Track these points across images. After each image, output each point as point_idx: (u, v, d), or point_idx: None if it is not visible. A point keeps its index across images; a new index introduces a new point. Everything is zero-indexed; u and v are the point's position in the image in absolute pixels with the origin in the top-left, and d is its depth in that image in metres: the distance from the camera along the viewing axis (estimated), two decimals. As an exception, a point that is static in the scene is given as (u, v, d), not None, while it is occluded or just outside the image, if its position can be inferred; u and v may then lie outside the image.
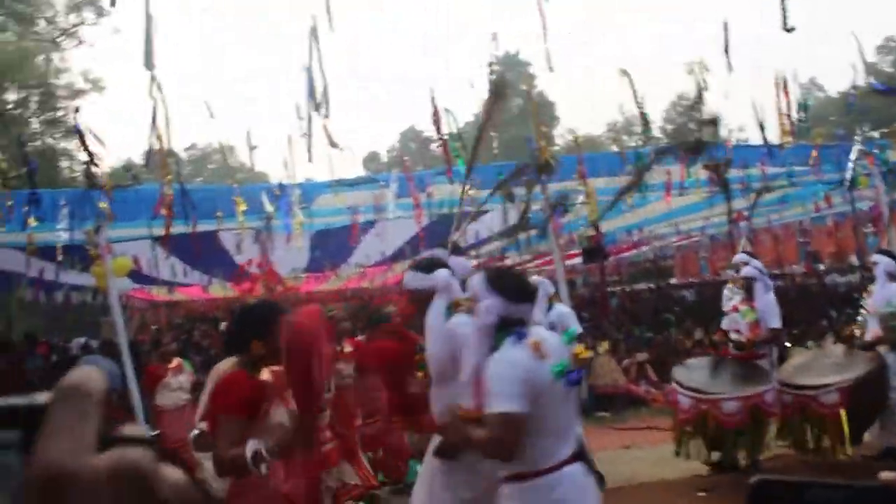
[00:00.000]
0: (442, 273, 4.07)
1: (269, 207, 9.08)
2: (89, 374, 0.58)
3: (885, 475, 0.78)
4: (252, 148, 10.13)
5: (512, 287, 3.43)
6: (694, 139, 8.68)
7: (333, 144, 6.79)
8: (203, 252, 10.53)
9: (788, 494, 0.79)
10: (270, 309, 3.67)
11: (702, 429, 6.66)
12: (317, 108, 6.40)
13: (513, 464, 3.20)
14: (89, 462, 0.52)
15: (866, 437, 6.97)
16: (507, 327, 3.31)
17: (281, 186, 9.15)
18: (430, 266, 4.13)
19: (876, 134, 12.78)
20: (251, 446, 3.15)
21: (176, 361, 8.37)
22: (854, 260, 20.98)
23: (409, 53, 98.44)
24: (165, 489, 0.54)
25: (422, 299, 4.02)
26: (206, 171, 60.06)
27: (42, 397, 0.57)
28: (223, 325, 19.95)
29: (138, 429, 0.58)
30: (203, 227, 9.39)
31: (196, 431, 3.78)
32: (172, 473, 0.56)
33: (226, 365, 3.80)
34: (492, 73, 8.85)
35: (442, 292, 3.99)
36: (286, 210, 9.22)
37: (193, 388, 9.40)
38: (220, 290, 20.69)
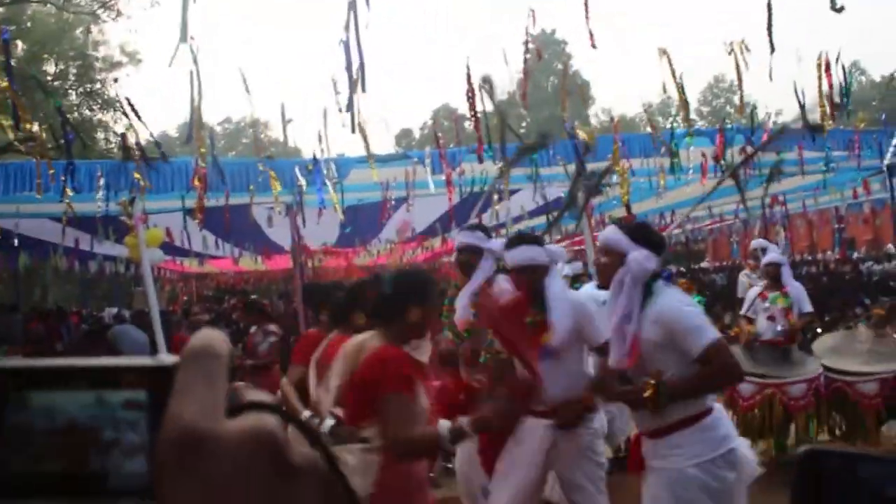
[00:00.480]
0: (552, 247, 4.27)
1: (301, 181, 9.09)
2: (215, 336, 0.56)
3: None
4: (286, 122, 10.14)
5: (656, 239, 3.62)
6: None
7: (361, 128, 6.75)
8: (234, 225, 10.59)
9: (839, 466, 0.78)
10: (426, 276, 3.67)
11: (769, 414, 6.50)
12: (354, 83, 6.38)
13: (689, 406, 3.32)
14: (223, 425, 0.51)
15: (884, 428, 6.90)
16: (653, 276, 3.47)
17: (314, 161, 9.15)
18: (536, 240, 4.24)
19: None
20: (445, 424, 2.96)
21: None
22: (891, 248, 20.64)
23: (446, 29, 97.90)
24: (299, 460, 0.53)
25: (536, 272, 4.09)
26: (239, 144, 60.49)
27: (169, 358, 0.57)
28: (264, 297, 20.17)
29: (263, 394, 0.57)
30: (235, 200, 9.45)
31: (331, 422, 3.37)
32: (304, 451, 0.54)
33: (368, 341, 3.31)
34: (527, 50, 8.75)
35: (556, 265, 4.17)
36: (319, 184, 9.23)
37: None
38: (251, 263, 20.88)
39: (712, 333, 3.34)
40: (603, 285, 3.69)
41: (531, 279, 4.09)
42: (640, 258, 3.43)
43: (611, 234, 3.64)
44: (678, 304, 3.40)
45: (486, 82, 7.41)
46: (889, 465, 0.74)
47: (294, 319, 13.21)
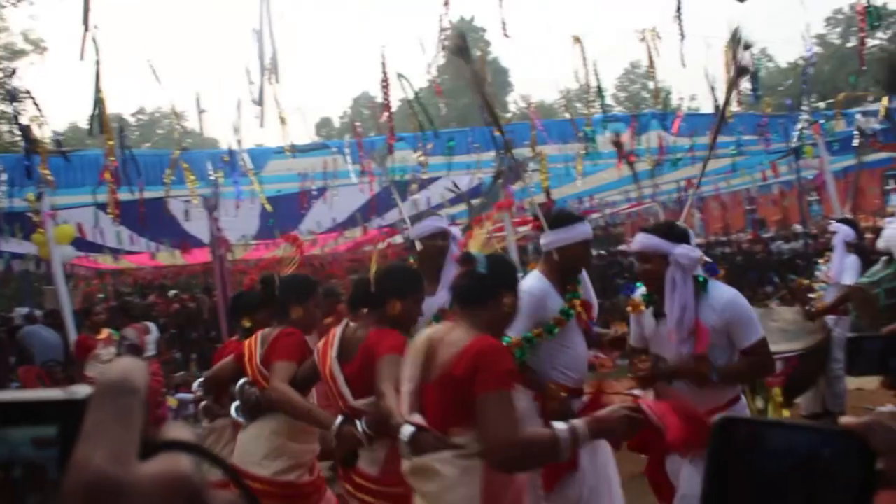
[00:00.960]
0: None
1: (213, 174, 8.91)
2: (134, 367, 0.52)
3: (845, 419, 0.79)
4: (201, 112, 9.90)
5: (684, 231, 3.71)
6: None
7: (281, 118, 6.66)
8: (150, 219, 10.32)
9: (750, 434, 0.80)
10: (413, 271, 3.69)
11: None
12: (267, 72, 6.27)
13: (730, 390, 3.66)
14: (134, 470, 0.47)
15: (798, 401, 7.17)
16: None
17: (230, 152, 8.98)
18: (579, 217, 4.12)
19: (822, 104, 13.02)
20: (561, 425, 2.57)
21: (106, 332, 8.13)
22: (798, 228, 21.44)
23: (367, 16, 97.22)
24: None
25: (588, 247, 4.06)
26: (155, 135, 58.93)
27: (82, 390, 0.52)
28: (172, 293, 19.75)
29: (185, 431, 0.52)
30: (151, 193, 9.21)
31: (410, 430, 2.74)
32: (222, 494, 0.50)
33: (444, 333, 2.87)
34: (445, 38, 8.75)
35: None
36: (236, 176, 9.07)
37: (160, 353, 9.29)
38: (169, 257, 20.40)
39: (761, 329, 3.63)
40: (654, 291, 3.74)
41: (582, 255, 4.00)
42: (686, 253, 3.57)
43: (647, 240, 3.69)
44: (740, 297, 3.66)
45: (401, 76, 7.38)
46: (794, 431, 0.76)
47: (215, 313, 12.98)
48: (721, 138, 11.05)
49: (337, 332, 3.54)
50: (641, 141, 10.41)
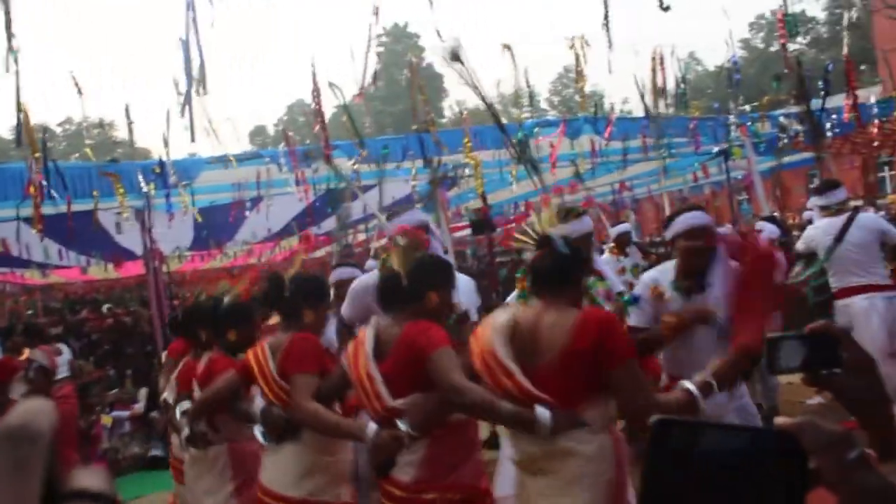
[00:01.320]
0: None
1: (145, 186, 8.74)
2: (36, 412, 0.47)
3: (780, 420, 0.82)
4: (130, 123, 9.70)
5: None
6: None
7: (211, 128, 6.56)
8: (79, 232, 10.05)
9: (687, 435, 0.82)
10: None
11: None
12: (194, 83, 6.17)
13: None
14: None
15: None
16: None
17: (160, 163, 8.81)
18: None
19: (748, 107, 13.37)
20: (687, 384, 2.76)
21: (26, 353, 7.90)
22: (729, 226, 21.98)
23: (298, 23, 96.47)
24: None
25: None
26: (83, 146, 57.46)
27: None
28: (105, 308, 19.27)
29: (96, 478, 0.48)
30: (79, 206, 8.99)
31: (547, 411, 2.72)
32: None
33: (526, 316, 2.93)
34: (379, 45, 8.75)
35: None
36: (167, 188, 8.92)
37: (75, 375, 9.01)
38: (100, 271, 19.92)
39: None
40: (696, 266, 3.94)
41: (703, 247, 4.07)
42: (726, 231, 4.25)
43: (699, 219, 4.01)
44: None
45: (332, 85, 7.35)
46: (730, 432, 0.78)
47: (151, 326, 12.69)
48: (652, 141, 11.30)
49: (369, 330, 3.34)
50: (574, 145, 10.55)
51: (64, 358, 8.69)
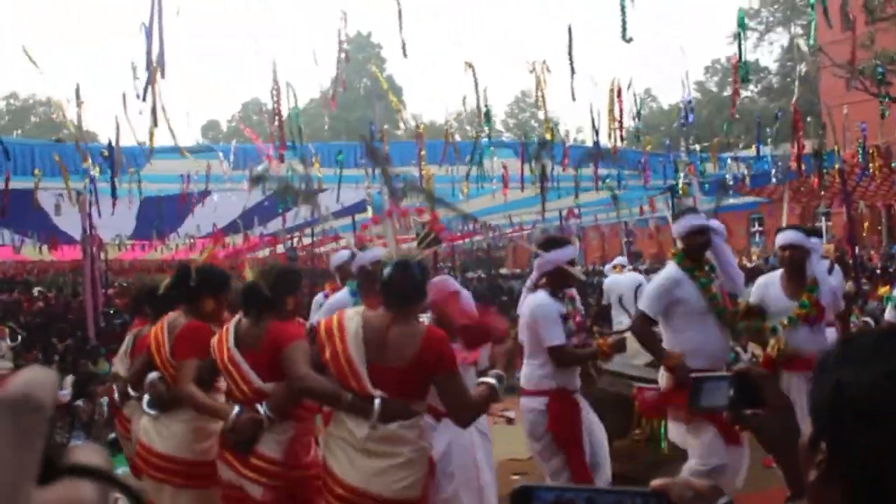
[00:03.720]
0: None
1: (94, 169, 8.57)
2: (39, 380, 0.46)
3: (655, 482, 0.86)
4: (80, 103, 9.49)
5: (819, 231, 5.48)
6: None
7: (164, 117, 6.46)
8: (16, 211, 9.78)
9: (556, 501, 0.83)
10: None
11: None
12: (154, 69, 6.09)
13: None
14: (28, 500, 0.42)
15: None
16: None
17: (109, 148, 8.65)
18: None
19: (697, 147, 13.68)
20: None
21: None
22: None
23: (263, 22, 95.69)
24: None
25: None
26: (27, 123, 56.07)
27: None
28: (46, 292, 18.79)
29: (94, 453, 0.47)
30: (18, 183, 8.76)
31: (378, 400, 3.26)
32: None
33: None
34: (341, 51, 8.74)
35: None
36: (113, 173, 8.75)
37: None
38: (34, 252, 19.39)
39: None
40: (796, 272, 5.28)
41: (798, 259, 5.29)
42: (817, 244, 5.32)
43: (794, 236, 5.34)
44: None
45: (290, 86, 7.36)
46: (600, 495, 0.80)
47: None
48: (603, 171, 11.47)
49: (231, 325, 3.83)
50: (528, 168, 10.66)
51: (4, 344, 8.46)
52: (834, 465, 0.87)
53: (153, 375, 4.17)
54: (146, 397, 4.12)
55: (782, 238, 5.38)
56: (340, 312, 3.54)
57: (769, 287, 5.45)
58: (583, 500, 0.83)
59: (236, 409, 3.61)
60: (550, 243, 4.90)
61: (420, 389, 3.32)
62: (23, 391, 0.45)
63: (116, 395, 5.05)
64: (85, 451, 0.48)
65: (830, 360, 0.93)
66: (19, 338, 8.47)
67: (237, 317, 3.88)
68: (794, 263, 5.30)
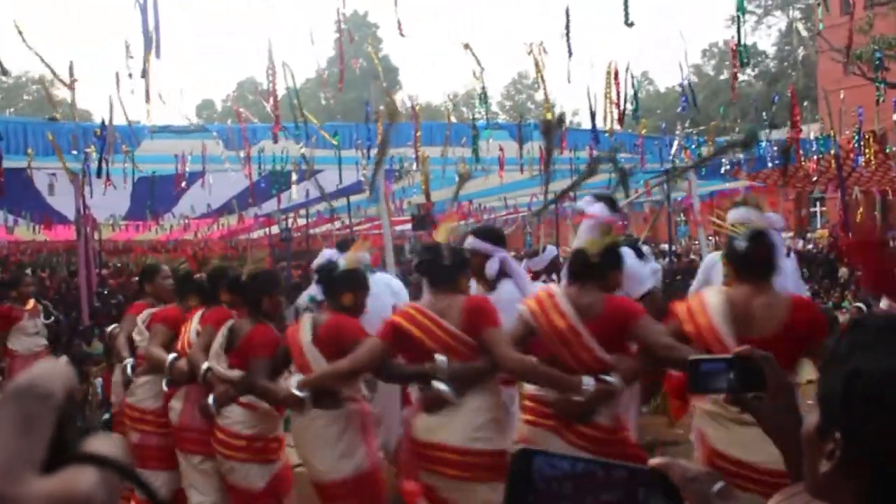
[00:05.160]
0: None
1: (89, 148, 8.51)
2: (51, 371, 0.47)
3: (655, 461, 0.86)
4: (73, 81, 9.41)
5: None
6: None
7: (157, 96, 6.42)
8: (10, 190, 9.71)
9: (541, 464, 0.83)
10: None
11: None
12: (149, 47, 6.04)
13: None
14: (26, 486, 0.42)
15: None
16: None
17: (103, 126, 8.59)
18: None
19: (693, 131, 13.67)
20: None
21: (33, 303, 7.86)
22: (665, 246, 22.38)
23: (256, 2, 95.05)
24: None
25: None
26: (20, 101, 55.67)
27: None
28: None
29: (110, 443, 0.47)
30: (11, 163, 8.70)
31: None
32: None
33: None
34: (337, 31, 8.68)
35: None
36: (108, 152, 8.68)
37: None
38: (27, 232, 19.32)
39: None
40: None
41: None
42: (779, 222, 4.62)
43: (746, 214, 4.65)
44: None
45: (286, 66, 7.31)
46: (601, 467, 0.80)
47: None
48: (597, 154, 11.43)
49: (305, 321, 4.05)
50: (524, 151, 10.63)
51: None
52: (849, 455, 0.86)
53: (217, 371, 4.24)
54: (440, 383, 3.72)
55: (733, 216, 5.20)
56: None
57: (716, 266, 5.34)
58: (580, 471, 0.82)
59: (589, 378, 3.59)
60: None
61: (790, 358, 3.22)
62: (30, 380, 0.45)
63: (129, 370, 5.01)
64: (100, 441, 0.48)
65: (842, 347, 0.91)
66: (52, 317, 8.50)
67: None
68: None
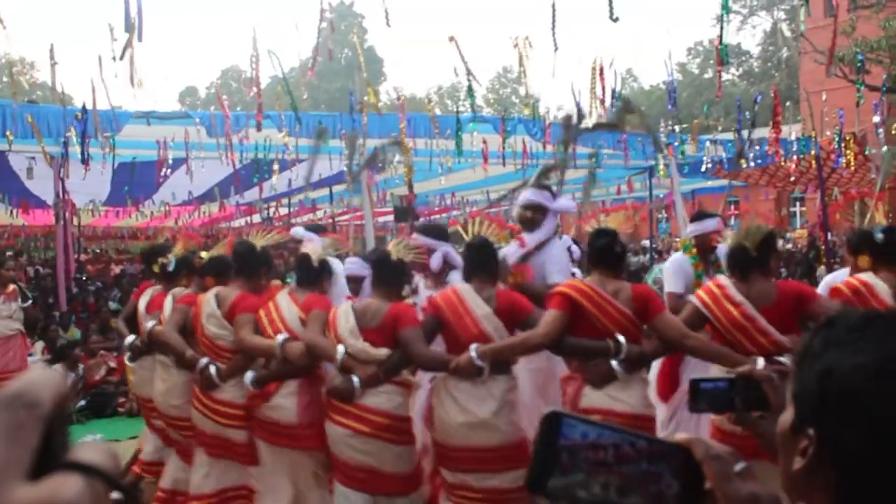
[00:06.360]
0: None
1: (70, 132, 8.43)
2: (42, 379, 0.47)
3: (679, 437, 0.87)
4: (53, 64, 9.30)
5: None
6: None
7: (139, 81, 6.35)
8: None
9: (569, 427, 0.83)
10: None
11: None
12: (132, 30, 5.98)
13: None
14: (9, 493, 0.42)
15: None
16: None
17: (84, 111, 8.51)
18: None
19: (677, 128, 13.71)
20: None
21: (11, 287, 7.75)
22: (646, 242, 22.51)
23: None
24: None
25: None
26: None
27: None
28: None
29: (99, 451, 0.47)
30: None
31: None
32: None
33: None
34: (322, 20, 8.63)
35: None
36: (88, 136, 8.61)
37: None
38: (5, 216, 19.10)
39: None
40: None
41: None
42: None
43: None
44: None
45: (272, 54, 7.26)
46: (627, 436, 0.81)
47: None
48: (581, 149, 11.46)
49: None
50: (507, 145, 10.64)
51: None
52: (823, 452, 0.87)
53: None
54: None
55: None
56: (868, 283, 4.06)
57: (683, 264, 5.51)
58: (606, 442, 0.83)
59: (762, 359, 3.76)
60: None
61: (790, 325, 3.72)
62: (19, 388, 0.46)
63: (128, 354, 5.12)
64: (89, 449, 0.48)
65: (815, 343, 0.92)
66: (29, 300, 8.38)
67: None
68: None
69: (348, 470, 3.84)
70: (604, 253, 3.92)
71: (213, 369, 4.27)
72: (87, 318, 11.68)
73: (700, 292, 3.94)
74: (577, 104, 9.77)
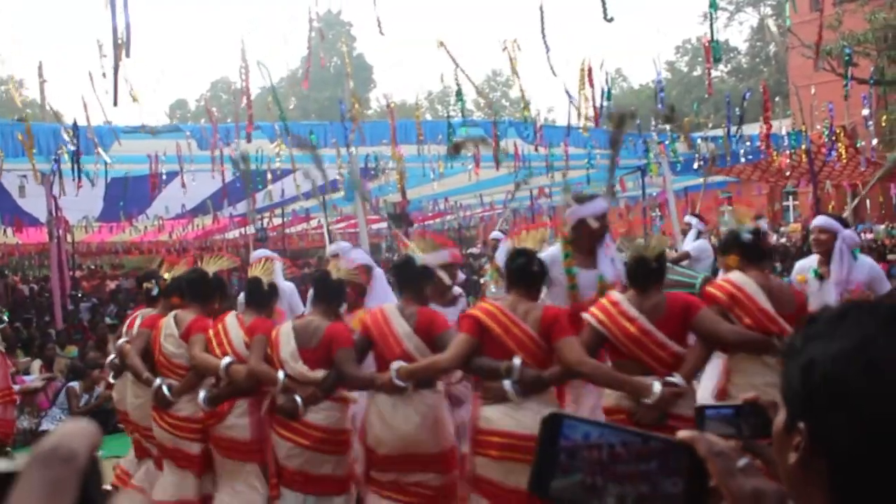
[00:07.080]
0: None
1: (61, 150, 8.41)
2: (74, 432, 0.47)
3: (682, 433, 0.87)
4: (42, 81, 9.29)
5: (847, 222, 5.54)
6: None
7: (132, 97, 6.36)
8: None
9: (570, 429, 0.84)
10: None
11: None
12: (120, 46, 5.98)
13: None
14: None
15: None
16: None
17: (75, 127, 8.49)
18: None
19: (668, 127, 13.73)
20: None
21: None
22: (641, 241, 22.57)
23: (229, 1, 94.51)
24: None
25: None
26: (-11, 103, 54.89)
27: (19, 461, 0.46)
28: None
29: (131, 500, 0.47)
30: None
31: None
32: None
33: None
34: (310, 30, 8.64)
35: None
36: (81, 152, 8.59)
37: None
38: (-1, 235, 19.08)
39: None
40: (822, 254, 5.13)
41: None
42: (850, 234, 5.12)
43: (824, 221, 5.22)
44: (875, 264, 5.43)
45: (261, 65, 7.26)
46: (629, 435, 0.82)
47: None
48: (574, 150, 11.48)
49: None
50: (500, 148, 10.65)
51: None
52: (814, 445, 0.87)
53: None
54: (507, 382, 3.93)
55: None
56: (741, 286, 4.08)
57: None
58: (608, 441, 0.84)
59: (657, 383, 3.69)
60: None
61: (681, 338, 3.84)
62: (54, 442, 0.46)
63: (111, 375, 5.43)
64: (124, 498, 0.48)
65: (797, 341, 0.93)
66: (6, 318, 8.34)
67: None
68: None
69: (288, 474, 4.16)
70: (521, 273, 3.94)
71: (165, 388, 4.57)
72: (82, 338, 11.62)
73: (594, 310, 3.92)
74: (574, 105, 9.80)
